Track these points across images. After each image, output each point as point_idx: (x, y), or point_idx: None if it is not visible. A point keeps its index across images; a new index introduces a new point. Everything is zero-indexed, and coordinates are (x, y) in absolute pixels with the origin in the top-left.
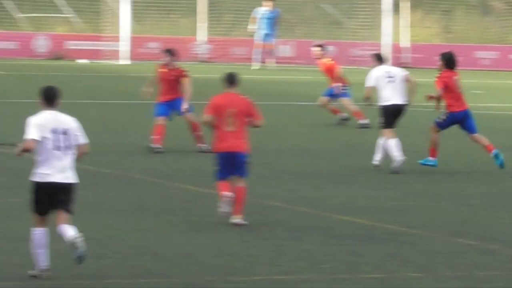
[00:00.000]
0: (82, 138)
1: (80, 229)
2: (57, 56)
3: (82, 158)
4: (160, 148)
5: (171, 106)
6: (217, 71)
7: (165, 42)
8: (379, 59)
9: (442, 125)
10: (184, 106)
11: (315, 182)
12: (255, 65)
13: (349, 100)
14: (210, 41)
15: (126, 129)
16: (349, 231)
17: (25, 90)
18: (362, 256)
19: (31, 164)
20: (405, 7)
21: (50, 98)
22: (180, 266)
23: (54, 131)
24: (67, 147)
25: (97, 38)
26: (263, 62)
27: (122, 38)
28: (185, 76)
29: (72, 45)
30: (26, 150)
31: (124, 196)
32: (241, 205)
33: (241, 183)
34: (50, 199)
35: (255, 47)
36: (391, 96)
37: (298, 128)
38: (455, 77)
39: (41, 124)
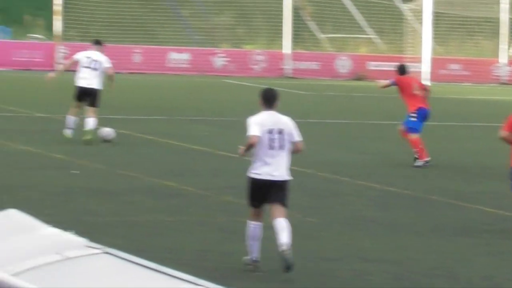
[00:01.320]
0: (296, 136)
1: (378, 250)
2: (358, 76)
3: (298, 153)
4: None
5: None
6: None
7: (466, 63)
8: None
9: None
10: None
11: None
12: None
13: None
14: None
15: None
16: None
17: (325, 110)
18: None
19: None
20: None
21: (269, 99)
22: None
23: (270, 131)
24: (281, 146)
25: (399, 59)
26: None
27: (423, 59)
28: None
29: (373, 65)
30: (250, 146)
31: (422, 218)
32: None
33: None
34: (264, 194)
35: None
36: None
37: None
38: None
39: (259, 123)
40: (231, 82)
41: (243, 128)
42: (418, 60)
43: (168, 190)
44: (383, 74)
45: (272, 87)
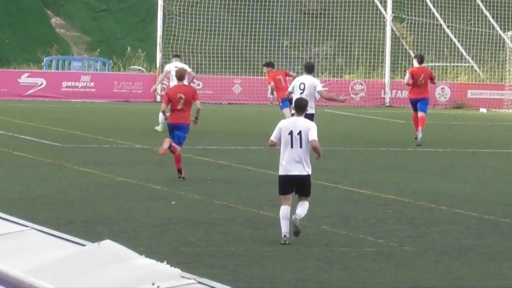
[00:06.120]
0: (312, 136)
1: (475, 278)
2: (458, 105)
3: (317, 152)
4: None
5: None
6: None
7: None
8: None
9: None
10: None
11: None
12: None
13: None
14: None
15: None
16: None
17: (423, 139)
18: None
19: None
20: None
21: (299, 107)
22: None
23: (291, 133)
24: (301, 146)
25: (499, 87)
26: None
27: None
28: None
29: (473, 94)
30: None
31: None
32: None
33: None
34: (290, 186)
35: None
36: None
37: None
38: None
39: (282, 127)
40: (330, 111)
41: (345, 157)
42: None
43: (265, 220)
44: (482, 102)
45: (302, 97)
